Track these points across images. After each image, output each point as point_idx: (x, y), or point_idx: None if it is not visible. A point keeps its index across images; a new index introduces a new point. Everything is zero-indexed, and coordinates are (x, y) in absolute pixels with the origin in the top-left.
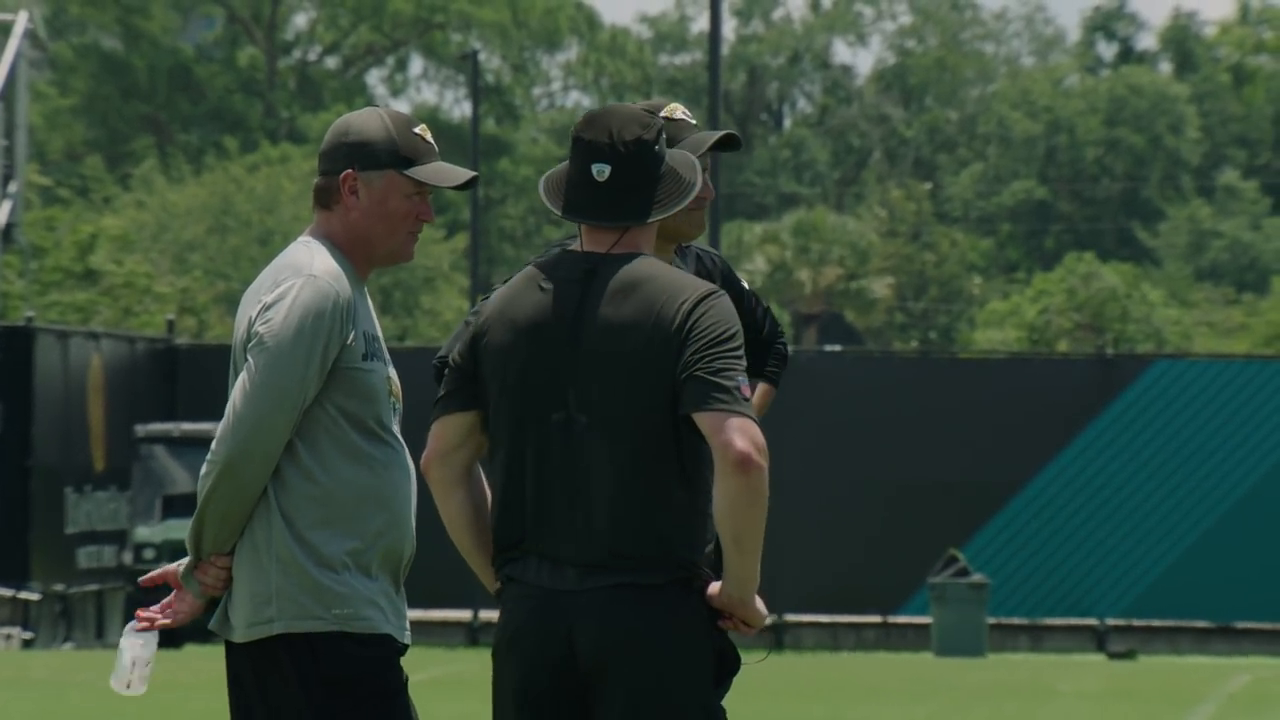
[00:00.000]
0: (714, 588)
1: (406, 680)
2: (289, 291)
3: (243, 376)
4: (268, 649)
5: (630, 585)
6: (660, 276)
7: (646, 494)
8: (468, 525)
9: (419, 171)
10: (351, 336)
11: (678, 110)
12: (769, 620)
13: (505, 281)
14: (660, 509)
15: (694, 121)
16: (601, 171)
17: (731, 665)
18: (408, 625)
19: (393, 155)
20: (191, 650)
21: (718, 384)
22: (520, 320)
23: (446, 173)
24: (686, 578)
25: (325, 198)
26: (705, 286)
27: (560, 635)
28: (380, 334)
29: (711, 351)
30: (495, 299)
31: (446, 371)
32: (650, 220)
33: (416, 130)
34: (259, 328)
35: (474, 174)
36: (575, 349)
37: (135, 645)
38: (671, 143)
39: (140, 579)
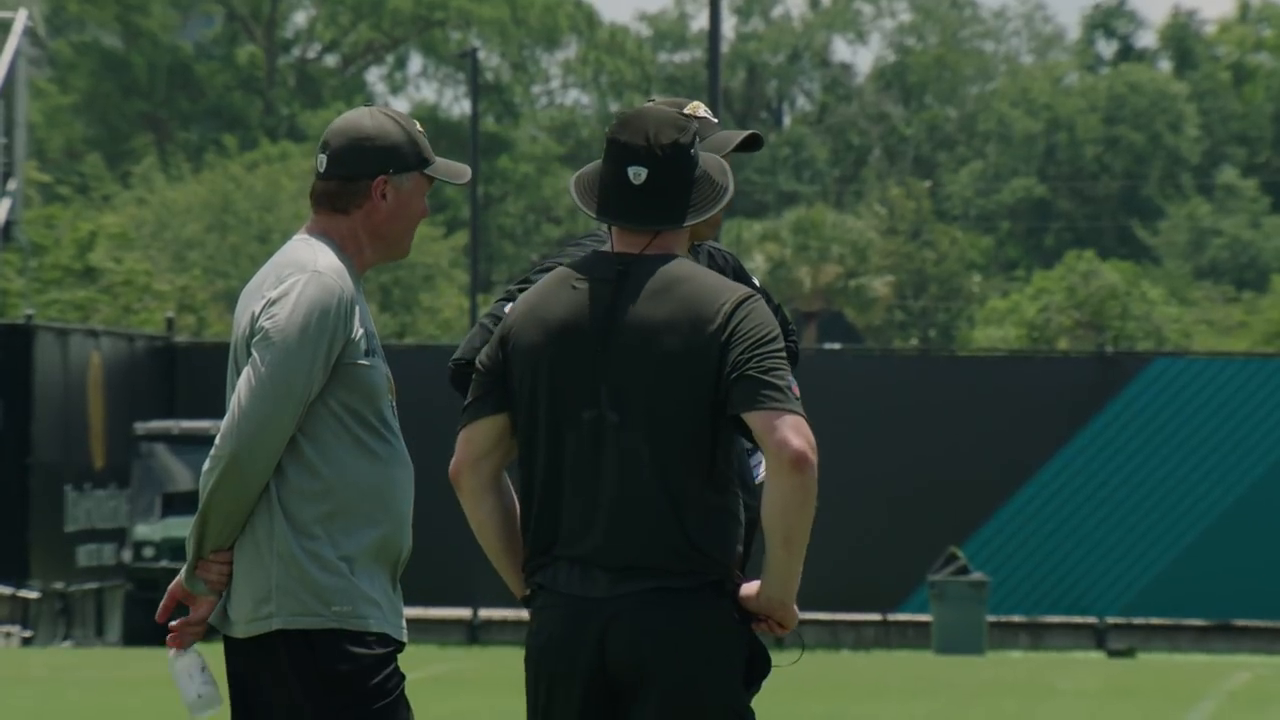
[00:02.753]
0: (750, 588)
1: (403, 679)
2: (294, 287)
3: (247, 372)
4: (266, 645)
5: (662, 589)
6: (697, 278)
7: (679, 496)
8: (498, 532)
9: (438, 170)
10: (356, 333)
11: (700, 108)
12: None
13: (521, 283)
14: (693, 511)
15: (716, 120)
16: (638, 174)
17: (762, 668)
18: (404, 623)
19: (417, 157)
20: (195, 647)
21: (770, 383)
22: (551, 320)
23: (456, 169)
24: (718, 580)
25: (343, 202)
26: (743, 289)
27: (593, 642)
28: (375, 331)
29: (760, 351)
30: (523, 300)
31: (474, 376)
32: (686, 224)
33: (419, 128)
34: (264, 323)
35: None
36: (608, 347)
37: (183, 665)
38: None
39: (156, 617)
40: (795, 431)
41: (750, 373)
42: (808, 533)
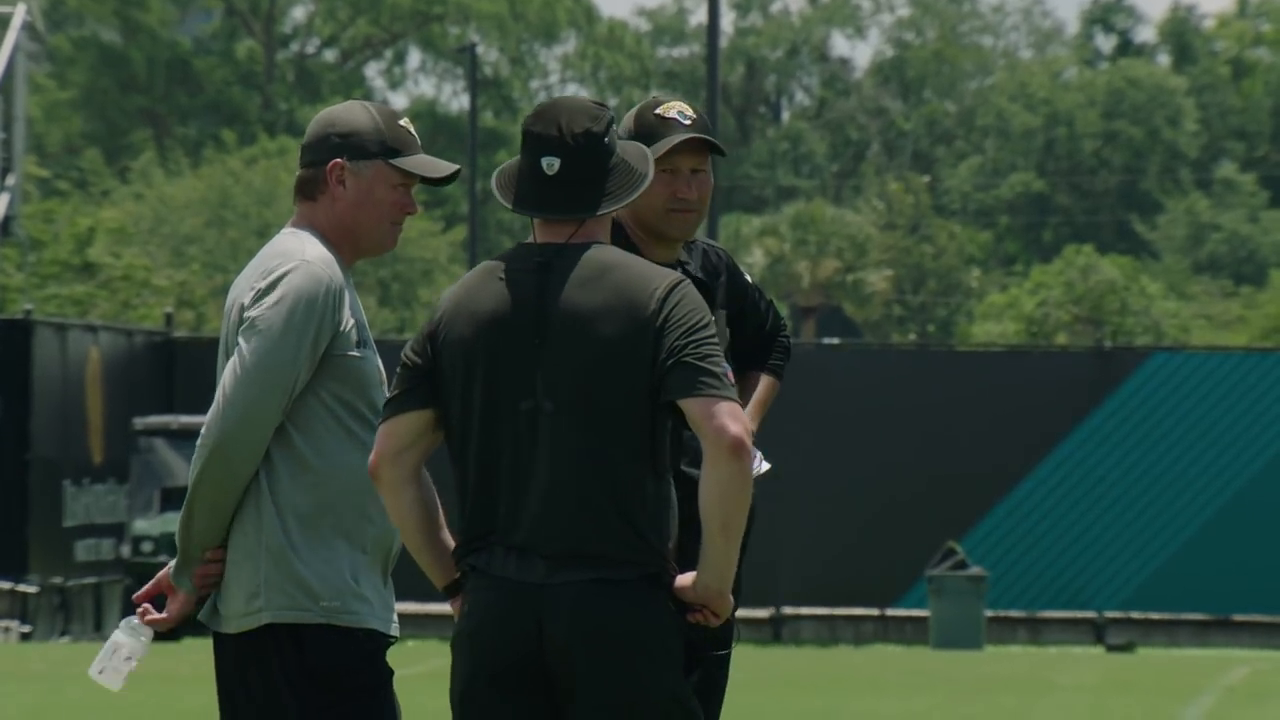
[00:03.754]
0: (685, 579)
1: (392, 674)
2: (282, 277)
3: (234, 360)
4: (255, 640)
5: (600, 581)
6: (628, 264)
7: (617, 484)
8: (419, 524)
9: (405, 162)
10: (345, 324)
11: (672, 109)
12: (766, 613)
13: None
14: (631, 499)
15: (687, 121)
16: (551, 164)
17: (699, 653)
18: (395, 618)
19: (380, 145)
20: (189, 643)
21: (707, 369)
22: (481, 313)
23: (432, 164)
24: (656, 572)
25: (310, 189)
26: (673, 274)
27: (529, 628)
28: (365, 322)
29: (695, 338)
30: (450, 295)
31: (399, 370)
32: (600, 212)
33: (401, 122)
34: (251, 312)
35: (457, 168)
36: (540, 336)
37: (127, 641)
38: (653, 141)
39: (134, 596)
40: (732, 418)
41: (687, 359)
42: (745, 520)
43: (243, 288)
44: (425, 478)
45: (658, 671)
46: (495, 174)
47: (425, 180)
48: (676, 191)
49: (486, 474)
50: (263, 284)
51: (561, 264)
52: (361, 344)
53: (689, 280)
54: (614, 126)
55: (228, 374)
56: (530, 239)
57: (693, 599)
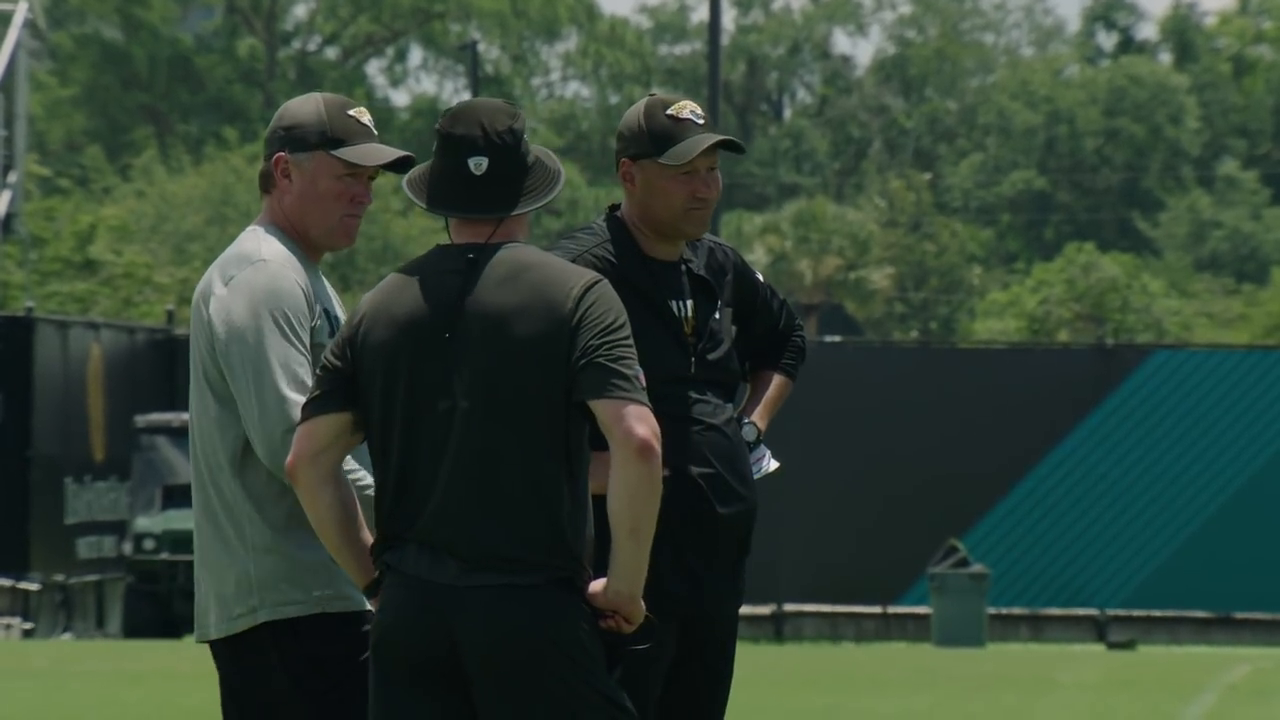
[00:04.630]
0: (597, 585)
1: None
2: (240, 282)
3: (239, 394)
4: (251, 640)
5: (514, 586)
6: (545, 264)
7: (531, 484)
8: (336, 524)
9: (346, 152)
10: (316, 316)
11: (686, 109)
12: (768, 611)
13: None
14: (547, 501)
15: (700, 121)
16: (479, 164)
17: (619, 653)
18: None
19: (321, 136)
20: (189, 642)
21: (618, 371)
22: (400, 314)
23: (374, 152)
24: (569, 577)
25: (265, 182)
26: (590, 274)
27: (442, 631)
28: (342, 314)
29: (609, 339)
30: (369, 299)
31: (319, 372)
32: (519, 211)
33: (351, 112)
34: (220, 330)
35: (405, 154)
36: (458, 336)
37: None
38: (671, 142)
39: None
40: (641, 421)
41: (599, 360)
42: (654, 523)
43: (205, 297)
44: (343, 477)
45: (580, 674)
46: (405, 180)
47: (372, 168)
48: (696, 191)
49: (404, 474)
50: (223, 292)
51: (483, 264)
52: (335, 334)
53: (605, 280)
54: (524, 124)
55: (245, 411)
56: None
57: (603, 605)
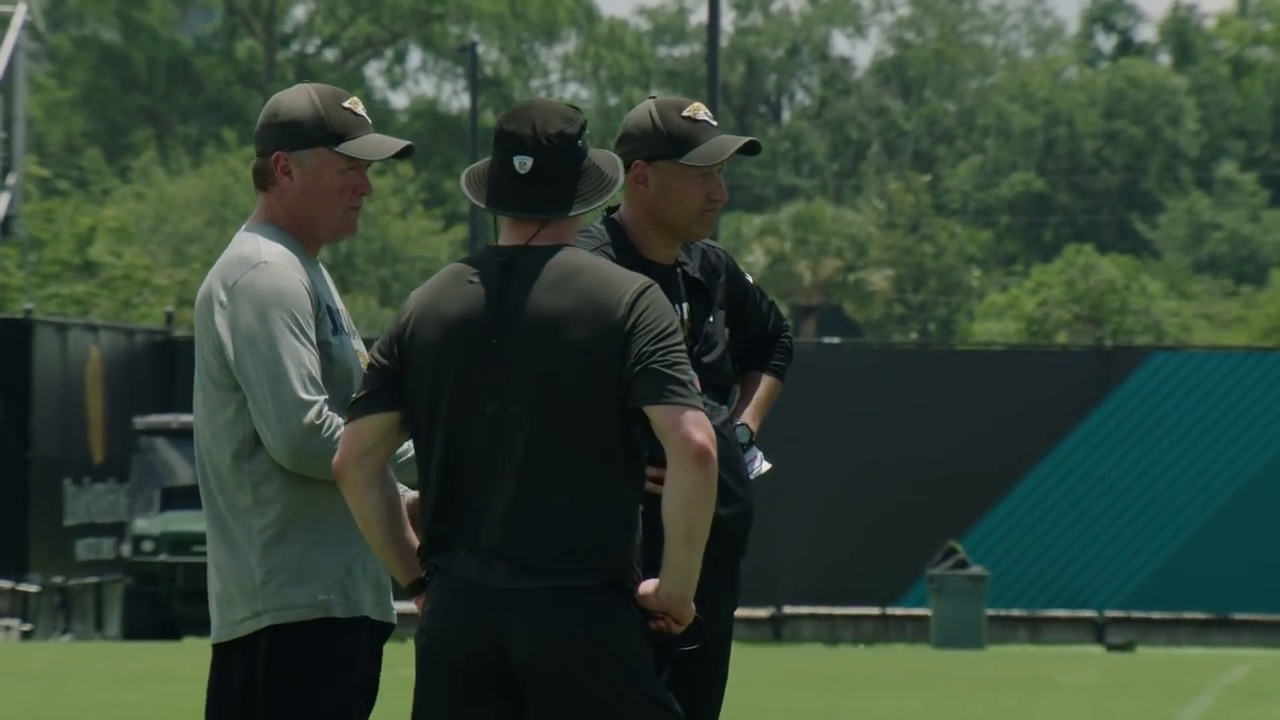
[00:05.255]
0: (648, 586)
1: (379, 664)
2: (244, 286)
3: (252, 403)
4: (252, 645)
5: (564, 589)
6: (597, 268)
7: (581, 489)
8: (382, 523)
9: (349, 146)
10: (320, 313)
11: (701, 110)
12: (767, 613)
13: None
14: (596, 505)
15: (715, 123)
16: (524, 164)
17: (667, 655)
18: (392, 603)
19: (321, 132)
20: (189, 643)
21: (674, 377)
22: (449, 315)
23: (377, 145)
24: (619, 579)
25: (262, 180)
26: (641, 279)
27: (492, 634)
28: (343, 307)
29: (663, 345)
30: (417, 298)
31: (367, 371)
32: (571, 214)
33: (346, 104)
34: (229, 337)
35: (407, 144)
36: (506, 339)
37: None
38: (687, 142)
39: None
40: (698, 427)
41: (654, 366)
42: (708, 528)
43: (208, 302)
44: (390, 477)
45: (629, 676)
46: (465, 172)
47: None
48: (711, 193)
49: (452, 475)
50: (225, 297)
51: (524, 265)
52: (337, 330)
53: (657, 286)
54: (586, 131)
55: (260, 423)
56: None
57: (655, 606)
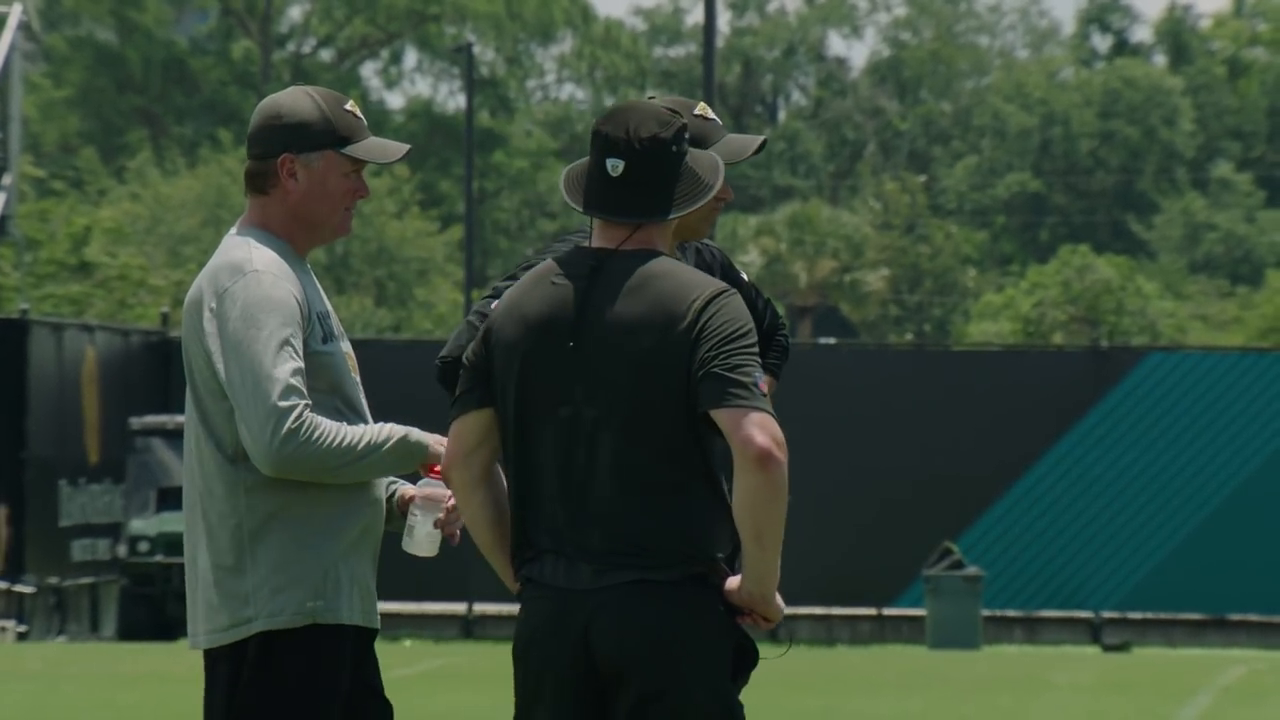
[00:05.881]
0: (732, 583)
1: (375, 669)
2: (234, 293)
3: (238, 411)
4: (241, 650)
5: (646, 582)
6: (672, 274)
7: (659, 491)
8: (489, 525)
9: (357, 150)
10: (310, 321)
11: (709, 110)
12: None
13: (509, 279)
14: (673, 507)
15: (720, 122)
16: (615, 166)
17: (750, 659)
18: (376, 608)
19: (330, 135)
20: (186, 644)
21: (735, 380)
22: (530, 315)
23: (382, 148)
24: (703, 573)
25: (261, 182)
26: (718, 285)
27: (578, 634)
28: (331, 310)
29: (727, 348)
30: (506, 296)
31: (461, 370)
32: (667, 219)
33: (347, 107)
34: (216, 344)
35: (407, 147)
36: (582, 344)
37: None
38: (700, 141)
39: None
40: (760, 429)
41: (716, 370)
42: (780, 528)
43: (198, 308)
44: (497, 478)
45: (702, 672)
46: (565, 172)
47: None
48: (721, 193)
49: (529, 480)
50: (215, 304)
51: (610, 270)
52: (327, 338)
53: (735, 291)
54: (686, 135)
55: (244, 431)
56: (586, 242)
57: (738, 602)
